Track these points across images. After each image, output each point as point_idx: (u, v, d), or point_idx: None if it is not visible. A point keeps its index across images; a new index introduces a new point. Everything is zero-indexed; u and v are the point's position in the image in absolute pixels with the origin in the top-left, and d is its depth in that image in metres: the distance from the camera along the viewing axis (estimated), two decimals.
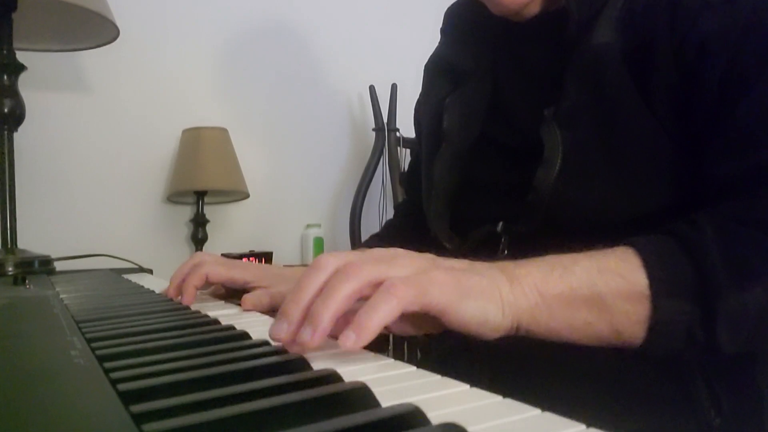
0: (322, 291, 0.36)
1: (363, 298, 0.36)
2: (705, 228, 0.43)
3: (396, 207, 0.96)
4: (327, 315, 0.35)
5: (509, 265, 0.42)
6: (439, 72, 0.73)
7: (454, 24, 0.74)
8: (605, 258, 0.43)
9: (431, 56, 0.78)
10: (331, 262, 0.38)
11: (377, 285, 0.36)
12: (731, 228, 0.43)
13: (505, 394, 0.27)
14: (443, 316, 0.37)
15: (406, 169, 1.95)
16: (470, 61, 0.68)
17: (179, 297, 0.61)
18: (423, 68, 0.79)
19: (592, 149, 0.53)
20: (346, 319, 0.35)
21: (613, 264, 0.42)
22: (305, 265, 1.66)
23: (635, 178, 0.52)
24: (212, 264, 0.62)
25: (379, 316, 0.34)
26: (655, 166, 0.51)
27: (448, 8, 0.76)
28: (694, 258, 0.42)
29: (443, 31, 0.77)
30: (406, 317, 0.39)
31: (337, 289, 0.36)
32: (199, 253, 0.66)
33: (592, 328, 0.42)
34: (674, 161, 0.51)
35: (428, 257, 0.41)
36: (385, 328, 0.41)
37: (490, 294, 0.39)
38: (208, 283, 0.63)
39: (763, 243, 0.43)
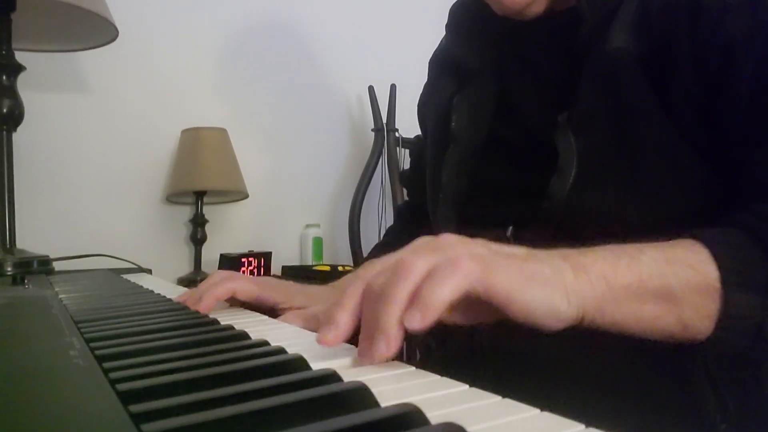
0: (382, 295, 0.34)
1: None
2: None
3: (397, 210, 0.95)
4: (394, 323, 0.32)
5: (572, 253, 0.40)
6: (444, 69, 0.72)
7: (458, 21, 0.73)
8: (672, 248, 0.41)
9: (436, 51, 0.77)
10: (376, 269, 0.36)
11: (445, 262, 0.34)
12: None
13: (509, 396, 0.27)
14: (508, 305, 0.34)
15: (405, 168, 1.96)
16: (475, 59, 0.67)
17: (194, 304, 0.55)
18: (424, 67, 0.79)
19: (607, 155, 0.52)
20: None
21: (682, 255, 0.40)
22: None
23: (651, 184, 0.51)
24: (242, 280, 0.59)
25: (444, 292, 0.32)
26: (672, 171, 0.50)
27: (453, 5, 0.74)
28: (765, 249, 0.40)
29: (448, 27, 0.75)
30: (459, 306, 0.36)
31: (396, 293, 0.33)
32: (223, 271, 0.62)
33: (660, 321, 0.40)
34: (693, 168, 0.50)
35: (484, 243, 0.38)
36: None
37: (555, 282, 0.37)
38: (234, 300, 0.60)
39: None
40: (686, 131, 0.49)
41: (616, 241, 0.42)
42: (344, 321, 0.35)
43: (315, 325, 0.52)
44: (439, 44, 0.78)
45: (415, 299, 0.32)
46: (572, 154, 0.53)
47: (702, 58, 0.48)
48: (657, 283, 0.39)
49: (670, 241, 0.41)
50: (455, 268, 0.33)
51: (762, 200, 0.45)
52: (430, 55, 0.80)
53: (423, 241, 0.38)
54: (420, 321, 0.32)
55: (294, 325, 0.51)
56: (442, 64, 0.74)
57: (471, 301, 0.35)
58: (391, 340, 0.32)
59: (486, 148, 0.64)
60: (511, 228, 0.58)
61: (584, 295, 0.38)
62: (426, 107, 0.78)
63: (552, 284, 0.37)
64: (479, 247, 0.37)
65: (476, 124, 0.65)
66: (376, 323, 0.33)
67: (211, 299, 0.55)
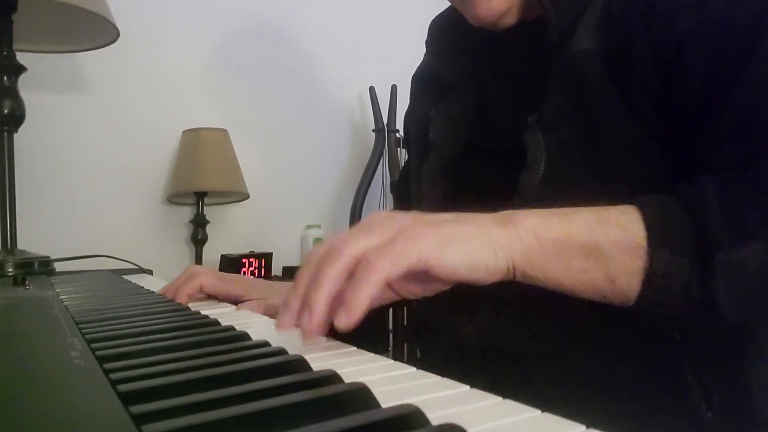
0: (313, 279, 0.39)
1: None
2: (707, 186, 0.43)
3: None
4: (319, 298, 0.37)
5: (506, 212, 0.43)
6: (425, 84, 0.75)
7: (437, 36, 0.76)
8: (606, 211, 0.43)
9: (417, 68, 0.80)
10: (317, 251, 0.40)
11: (361, 259, 0.38)
12: (733, 186, 0.44)
13: (501, 396, 0.27)
14: (430, 269, 0.38)
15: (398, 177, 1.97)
16: (454, 72, 0.69)
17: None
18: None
19: (575, 152, 0.54)
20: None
21: (613, 216, 0.43)
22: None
23: (618, 178, 0.53)
24: (207, 275, 0.65)
25: (364, 293, 0.36)
26: (638, 165, 0.52)
27: (432, 21, 0.78)
28: (694, 213, 0.42)
29: (428, 43, 0.79)
30: (412, 278, 0.41)
31: (323, 274, 0.38)
32: (194, 265, 0.70)
33: (588, 275, 0.42)
34: (657, 160, 0.52)
35: (412, 214, 0.42)
36: (397, 293, 0.43)
37: (478, 238, 0.40)
38: (202, 294, 0.66)
39: (765, 201, 0.42)
40: (649, 126, 0.51)
41: None
42: (296, 305, 0.39)
43: (271, 313, 0.58)
44: (421, 62, 0.80)
45: (341, 303, 0.37)
46: (540, 150, 0.55)
47: (657, 55, 0.50)
48: (585, 239, 0.42)
49: (608, 206, 0.44)
50: (370, 270, 0.37)
51: None
52: None
53: (359, 226, 0.42)
54: (346, 320, 0.36)
55: (255, 312, 0.58)
56: (422, 81, 0.77)
57: (418, 275, 0.39)
58: (313, 314, 0.37)
59: (464, 154, 0.67)
60: None
61: (512, 247, 0.40)
62: (409, 123, 0.81)
63: (475, 240, 0.40)
64: (402, 221, 0.40)
65: (453, 134, 0.68)
66: (305, 302, 0.38)
67: (183, 298, 0.62)
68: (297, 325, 0.38)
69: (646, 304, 0.42)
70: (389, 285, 0.42)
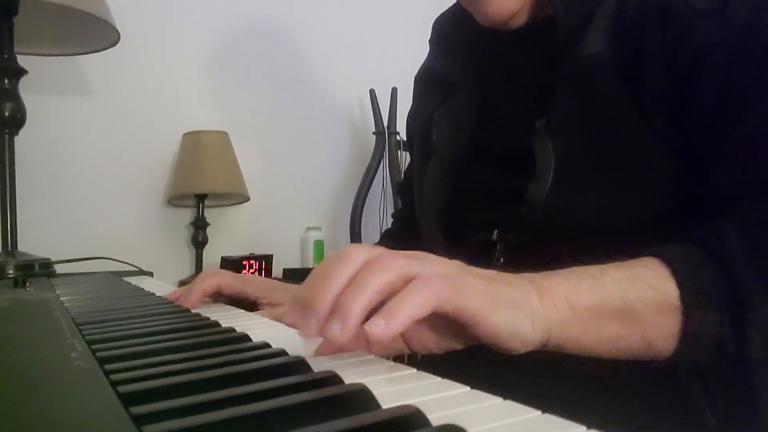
0: (352, 282, 0.33)
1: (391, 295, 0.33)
2: (730, 235, 0.42)
3: (393, 215, 0.98)
4: (357, 307, 0.32)
5: (537, 277, 0.40)
6: (429, 84, 0.74)
7: (441, 35, 0.75)
8: (633, 268, 0.41)
9: (421, 68, 0.79)
10: (360, 252, 0.35)
11: (410, 280, 0.33)
12: (755, 234, 0.43)
13: (501, 396, 0.27)
14: (475, 325, 0.35)
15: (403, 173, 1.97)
16: (458, 72, 0.68)
17: (180, 299, 0.61)
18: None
19: (584, 158, 0.53)
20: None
21: (642, 274, 0.41)
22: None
23: (628, 185, 0.51)
24: (227, 276, 0.64)
25: (412, 306, 0.32)
26: (648, 173, 0.51)
27: (436, 19, 0.77)
28: (723, 267, 0.41)
29: (431, 42, 0.77)
30: (430, 327, 0.38)
31: (368, 281, 0.32)
32: (210, 269, 0.69)
33: (624, 341, 0.41)
34: (668, 168, 0.51)
35: (458, 263, 0.39)
36: (407, 343, 0.39)
37: (522, 305, 0.37)
38: (219, 294, 0.65)
39: None
40: (660, 133, 0.50)
41: (596, 241, 0.43)
42: (325, 307, 0.33)
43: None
44: (424, 61, 0.79)
45: (382, 309, 0.32)
46: (549, 158, 0.54)
47: (671, 62, 0.49)
48: (618, 303, 0.40)
49: (632, 260, 0.42)
50: (426, 285, 0.33)
51: (727, 203, 0.46)
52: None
53: (404, 252, 0.38)
54: (383, 329, 0.31)
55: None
56: (426, 81, 0.76)
57: (440, 325, 0.36)
58: (347, 324, 0.31)
59: (467, 156, 0.66)
60: (496, 231, 0.59)
61: (549, 318, 0.38)
62: (412, 123, 0.80)
63: (519, 307, 0.37)
64: (453, 266, 0.37)
65: (456, 136, 0.67)
66: (339, 305, 0.32)
67: (198, 293, 0.60)
68: (322, 333, 0.32)
69: (680, 361, 0.41)
70: (402, 333, 0.37)
